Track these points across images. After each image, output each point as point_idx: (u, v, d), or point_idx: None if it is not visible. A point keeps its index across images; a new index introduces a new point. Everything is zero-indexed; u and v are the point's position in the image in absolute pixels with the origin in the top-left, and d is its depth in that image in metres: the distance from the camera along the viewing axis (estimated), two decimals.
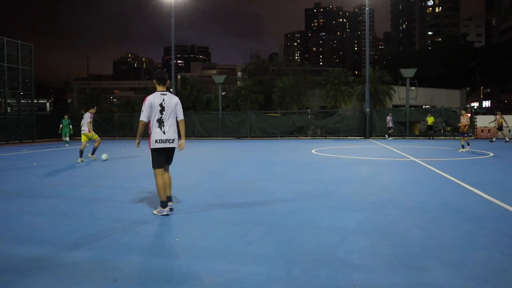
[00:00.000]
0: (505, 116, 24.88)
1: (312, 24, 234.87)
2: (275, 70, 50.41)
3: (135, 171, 11.01)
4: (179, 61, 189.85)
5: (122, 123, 35.82)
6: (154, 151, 5.51)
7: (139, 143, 5.82)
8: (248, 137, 31.88)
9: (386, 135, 28.78)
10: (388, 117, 28.22)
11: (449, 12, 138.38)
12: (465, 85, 67.57)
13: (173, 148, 5.69)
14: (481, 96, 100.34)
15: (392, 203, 6.22)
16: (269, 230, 4.76)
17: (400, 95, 34.88)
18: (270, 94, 43.34)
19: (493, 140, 23.34)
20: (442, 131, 30.29)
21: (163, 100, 5.53)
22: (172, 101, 5.59)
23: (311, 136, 31.54)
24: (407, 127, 29.68)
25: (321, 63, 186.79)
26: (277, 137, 31.19)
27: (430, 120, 27.99)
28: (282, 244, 4.22)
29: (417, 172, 10.07)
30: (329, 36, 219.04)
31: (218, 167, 11.79)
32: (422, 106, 41.17)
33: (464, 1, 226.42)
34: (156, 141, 5.45)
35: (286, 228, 4.86)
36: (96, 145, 13.97)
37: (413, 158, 13.40)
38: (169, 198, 5.74)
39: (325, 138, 30.30)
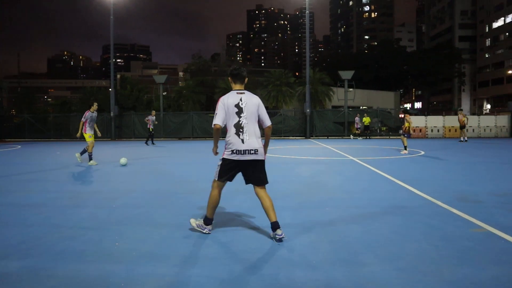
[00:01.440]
0: (453, 117, 26.23)
1: (254, 25, 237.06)
2: (217, 70, 50.42)
3: (69, 174, 10.55)
4: (118, 60, 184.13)
5: (57, 124, 34.14)
6: (225, 161, 4.47)
7: (217, 150, 4.76)
8: (190, 138, 31.56)
9: (351, 135, 29.77)
10: (357, 117, 29.33)
11: (384, 18, 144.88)
12: (399, 87, 71.16)
13: (258, 161, 4.45)
14: (413, 98, 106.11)
15: (332, 201, 6.42)
16: (211, 231, 4.74)
17: (339, 96, 36.12)
18: (212, 94, 43.22)
19: (462, 139, 23.29)
20: (378, 131, 31.67)
21: (240, 99, 4.43)
22: (252, 101, 4.45)
23: None
24: (345, 127, 30.72)
25: (263, 64, 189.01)
26: (220, 137, 31.13)
27: (366, 120, 29.15)
28: (224, 245, 4.22)
29: (355, 170, 10.45)
30: (270, 37, 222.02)
31: (160, 168, 11.55)
32: (360, 107, 42.80)
33: (397, 8, 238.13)
34: (232, 151, 4.39)
35: (229, 228, 4.87)
36: (87, 147, 12.22)
37: (351, 157, 13.89)
38: (276, 225, 4.35)
39: None
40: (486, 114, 63.79)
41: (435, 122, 30.56)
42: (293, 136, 30.99)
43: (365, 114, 29.85)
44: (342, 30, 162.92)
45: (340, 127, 30.94)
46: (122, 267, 3.61)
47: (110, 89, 33.37)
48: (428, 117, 31.31)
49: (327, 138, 29.88)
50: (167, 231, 4.82)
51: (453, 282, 3.18)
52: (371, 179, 8.83)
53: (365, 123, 29.31)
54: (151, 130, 22.67)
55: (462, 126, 23.05)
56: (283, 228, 4.36)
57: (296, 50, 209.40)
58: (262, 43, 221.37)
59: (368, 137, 29.31)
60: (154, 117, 22.89)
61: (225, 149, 4.49)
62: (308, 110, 30.02)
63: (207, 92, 43.06)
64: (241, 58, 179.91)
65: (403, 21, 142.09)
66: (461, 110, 25.37)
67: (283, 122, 31.34)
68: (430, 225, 4.91)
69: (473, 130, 30.30)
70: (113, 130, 31.84)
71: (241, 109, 4.40)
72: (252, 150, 4.36)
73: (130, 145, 24.02)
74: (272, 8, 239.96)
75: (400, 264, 3.59)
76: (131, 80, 45.51)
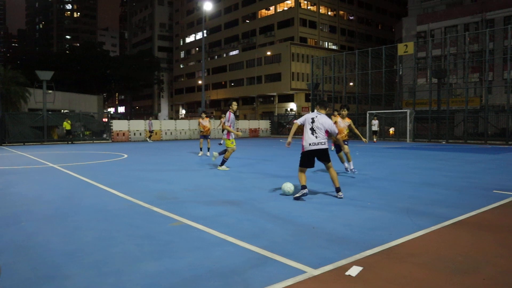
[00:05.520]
0: (158, 121, 27.85)
1: None
2: None
3: None
4: None
5: None
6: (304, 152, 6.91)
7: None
8: None
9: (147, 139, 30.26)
10: (148, 121, 30.55)
11: (87, 19, 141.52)
12: (102, 91, 70.83)
13: (325, 149, 6.88)
14: (117, 102, 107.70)
15: (29, 214, 5.83)
16: None
17: (37, 98, 32.97)
18: None
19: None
20: (81, 136, 30.65)
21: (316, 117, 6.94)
22: (323, 119, 6.92)
23: None
24: (45, 132, 28.34)
25: None
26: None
27: (67, 125, 27.69)
28: None
29: (55, 178, 9.82)
30: None
31: None
32: (61, 111, 40.36)
33: (100, 11, 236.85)
34: (309, 144, 6.80)
35: None
36: (226, 155, 10.92)
37: (51, 164, 12.98)
38: (338, 189, 6.91)
39: None
40: (181, 118, 70.75)
41: (138, 126, 31.90)
42: None
43: (67, 119, 28.31)
44: (41, 26, 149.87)
45: (39, 132, 28.32)
46: None
47: None
48: (131, 121, 32.40)
49: (24, 144, 26.87)
50: None
51: (155, 275, 3.43)
52: (73, 185, 8.48)
53: (67, 128, 27.81)
54: None
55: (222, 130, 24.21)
56: None
57: None
58: None
59: (70, 142, 27.96)
60: None
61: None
62: None
63: None
64: None
65: (107, 26, 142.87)
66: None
67: None
68: (133, 225, 5.12)
69: (171, 133, 33.16)
70: None
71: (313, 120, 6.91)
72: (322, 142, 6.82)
73: None
74: None
75: (105, 269, 3.59)
76: None
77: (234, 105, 10.87)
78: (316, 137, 6.75)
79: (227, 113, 10.82)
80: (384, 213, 5.73)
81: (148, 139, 30.84)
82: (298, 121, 6.95)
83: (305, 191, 6.66)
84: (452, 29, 42.70)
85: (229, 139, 10.76)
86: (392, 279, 3.32)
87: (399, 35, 50.89)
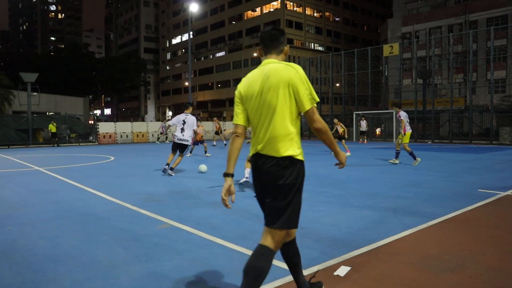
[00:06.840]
0: (145, 123, 27.99)
1: None
2: None
3: None
4: None
5: None
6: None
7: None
8: None
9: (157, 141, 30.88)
10: (162, 123, 31.18)
11: (71, 20, 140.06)
12: (88, 93, 70.07)
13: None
14: (103, 104, 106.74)
15: (13, 218, 5.74)
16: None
17: (21, 100, 32.51)
18: None
19: (215, 144, 24.16)
20: (67, 138, 30.30)
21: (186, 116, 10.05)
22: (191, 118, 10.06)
23: None
24: (30, 135, 27.97)
25: None
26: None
27: (53, 128, 27.33)
28: None
29: (41, 181, 9.69)
30: None
31: None
32: (46, 113, 39.85)
33: (85, 13, 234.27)
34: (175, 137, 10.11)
35: None
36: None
37: (37, 167, 12.80)
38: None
39: None
40: (168, 120, 70.14)
41: (124, 128, 31.65)
42: None
43: (52, 121, 27.96)
44: (25, 27, 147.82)
45: (23, 135, 27.92)
46: None
47: None
48: (118, 123, 32.14)
49: (8, 147, 26.49)
50: None
51: (143, 278, 3.39)
52: (58, 189, 8.37)
53: (52, 130, 27.45)
54: None
55: (216, 132, 24.94)
56: None
57: None
58: None
59: (56, 145, 27.62)
60: None
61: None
62: None
63: None
64: None
65: (92, 27, 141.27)
66: (216, 118, 27.77)
67: None
68: (121, 228, 5.07)
69: (153, 135, 32.96)
70: None
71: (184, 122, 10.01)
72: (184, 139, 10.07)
73: None
74: None
75: (92, 272, 3.55)
76: None
77: (397, 108, 12.59)
78: (183, 134, 9.88)
79: (401, 113, 12.12)
80: (371, 212, 5.77)
81: (157, 141, 31.31)
82: (170, 122, 10.15)
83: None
84: (436, 30, 43.24)
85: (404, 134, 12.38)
86: (380, 278, 3.34)
87: (384, 36, 51.37)
